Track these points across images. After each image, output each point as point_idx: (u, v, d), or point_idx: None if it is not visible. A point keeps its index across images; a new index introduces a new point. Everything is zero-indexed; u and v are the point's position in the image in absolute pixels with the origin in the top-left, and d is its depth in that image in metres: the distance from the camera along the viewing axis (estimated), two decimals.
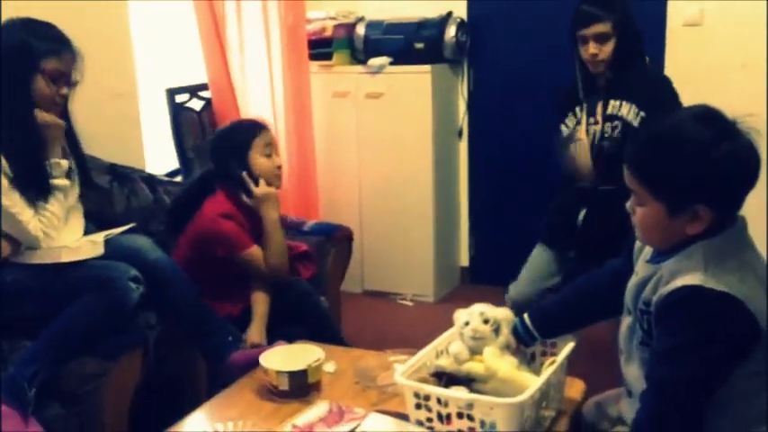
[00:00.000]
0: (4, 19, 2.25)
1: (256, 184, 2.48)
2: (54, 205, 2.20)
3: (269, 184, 2.51)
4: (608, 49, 2.53)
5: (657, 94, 2.54)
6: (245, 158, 2.49)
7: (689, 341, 1.38)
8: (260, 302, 2.51)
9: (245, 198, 2.50)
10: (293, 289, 2.58)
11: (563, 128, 2.67)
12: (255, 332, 2.46)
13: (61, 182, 2.23)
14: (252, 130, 2.54)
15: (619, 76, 2.57)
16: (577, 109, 2.66)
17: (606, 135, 2.57)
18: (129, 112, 3.18)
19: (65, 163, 2.24)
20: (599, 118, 2.59)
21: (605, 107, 2.58)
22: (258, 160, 2.51)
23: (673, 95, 2.56)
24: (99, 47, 2.83)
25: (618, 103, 2.56)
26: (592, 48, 2.52)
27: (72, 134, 2.35)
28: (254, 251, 2.49)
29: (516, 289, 2.76)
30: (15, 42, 2.17)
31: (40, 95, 2.18)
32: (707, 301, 1.37)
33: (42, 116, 2.18)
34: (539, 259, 2.76)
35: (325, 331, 2.54)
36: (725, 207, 1.44)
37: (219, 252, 2.48)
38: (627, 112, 2.54)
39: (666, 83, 2.61)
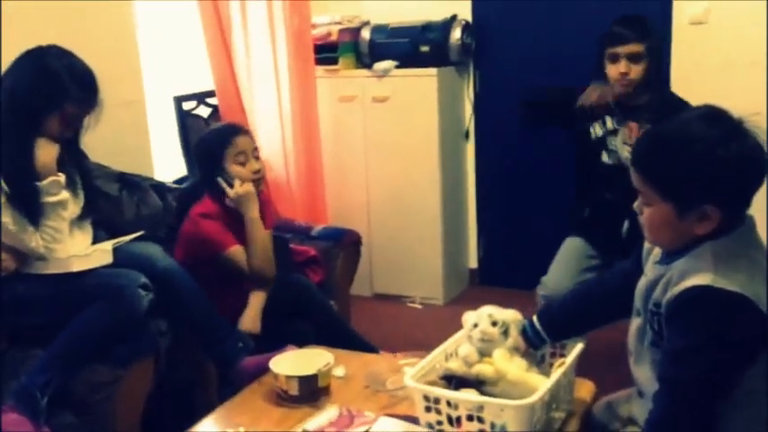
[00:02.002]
0: (42, 41, 2.23)
1: (231, 186, 2.50)
2: (55, 221, 2.20)
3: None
4: (639, 69, 2.54)
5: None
6: (221, 166, 2.52)
7: (700, 341, 1.38)
8: (256, 296, 2.52)
9: (227, 201, 2.52)
10: (292, 285, 2.59)
11: (592, 131, 2.66)
12: (248, 319, 2.48)
13: (60, 197, 2.22)
14: (223, 139, 2.54)
15: (651, 101, 2.58)
16: (607, 119, 2.65)
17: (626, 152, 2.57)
18: (137, 120, 3.20)
19: (62, 177, 2.22)
20: (632, 137, 2.58)
21: (639, 128, 2.57)
22: (234, 169, 2.52)
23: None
24: (106, 56, 2.84)
25: (648, 126, 2.54)
26: (623, 66, 2.54)
27: (76, 146, 2.36)
28: (238, 251, 2.50)
29: (554, 281, 2.69)
30: (50, 75, 2.16)
31: (47, 130, 2.19)
32: (717, 300, 1.36)
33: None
34: (577, 251, 2.72)
35: (331, 325, 2.56)
36: (733, 207, 1.43)
37: (204, 254, 2.50)
38: None
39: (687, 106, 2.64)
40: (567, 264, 2.70)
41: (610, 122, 2.66)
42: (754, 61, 3.42)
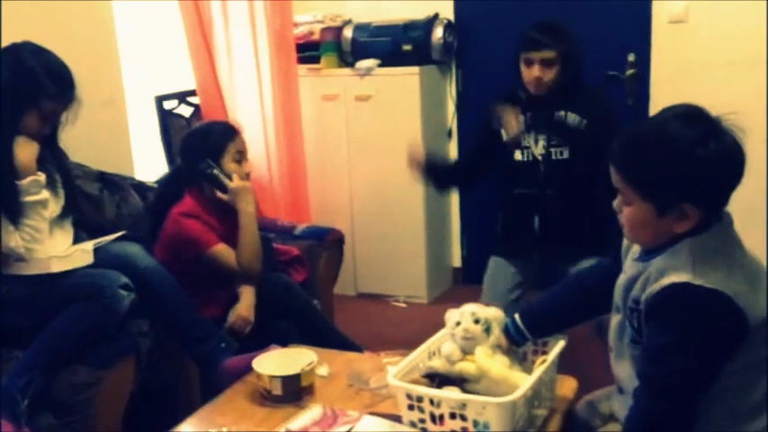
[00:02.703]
0: (21, 38, 2.22)
1: (230, 179, 2.50)
2: (35, 220, 2.18)
3: None
4: (552, 74, 2.62)
5: (597, 103, 2.67)
6: (218, 162, 2.51)
7: (679, 338, 1.39)
8: (246, 289, 2.52)
9: (219, 195, 2.50)
10: (276, 284, 2.58)
11: (503, 133, 2.70)
12: (244, 307, 2.48)
13: (41, 196, 2.20)
14: (226, 134, 2.55)
15: (564, 93, 2.66)
16: (520, 116, 2.71)
17: (553, 142, 2.66)
18: (117, 119, 3.18)
19: (42, 176, 2.20)
20: (544, 127, 2.67)
21: (550, 117, 2.66)
22: (230, 166, 2.52)
23: (609, 104, 2.72)
24: (86, 55, 2.84)
25: (563, 112, 2.66)
26: (536, 70, 2.61)
27: (55, 144, 2.34)
28: (221, 249, 2.49)
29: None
30: (25, 71, 2.14)
31: (25, 128, 2.17)
32: (695, 297, 1.38)
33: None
34: (501, 273, 2.79)
35: (315, 324, 2.56)
36: (712, 205, 1.45)
37: (186, 253, 2.49)
38: (572, 120, 2.64)
39: (603, 93, 2.76)
40: (494, 289, 2.77)
41: (526, 119, 2.70)
42: (733, 60, 3.45)
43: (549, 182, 2.68)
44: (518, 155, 2.72)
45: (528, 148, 2.70)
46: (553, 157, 2.67)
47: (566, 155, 2.66)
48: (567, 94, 2.66)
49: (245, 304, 2.49)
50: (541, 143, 2.67)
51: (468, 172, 2.95)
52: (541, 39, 2.62)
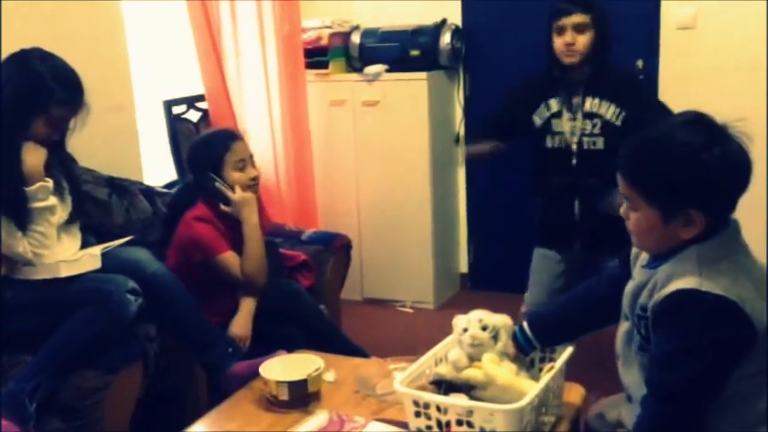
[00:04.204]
0: (29, 44, 2.23)
1: (233, 191, 2.50)
2: (42, 226, 2.19)
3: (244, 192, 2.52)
4: (584, 39, 2.58)
5: (640, 94, 2.61)
6: (219, 173, 2.51)
7: (686, 345, 1.39)
8: (246, 301, 2.52)
9: (223, 207, 2.51)
10: (283, 289, 2.58)
11: (535, 119, 2.69)
12: (238, 324, 2.48)
13: (48, 202, 2.21)
14: (222, 145, 2.54)
15: (597, 73, 2.62)
16: (552, 101, 2.68)
17: (586, 131, 2.62)
18: (126, 124, 3.19)
19: (50, 183, 2.21)
20: (577, 115, 2.63)
21: (583, 103, 2.62)
22: (232, 175, 2.52)
23: (654, 96, 2.63)
24: (95, 60, 2.85)
25: (597, 101, 2.61)
26: (569, 36, 2.58)
27: (63, 150, 2.35)
28: (230, 257, 2.50)
29: (532, 298, 2.79)
30: (33, 77, 2.15)
31: (34, 134, 2.18)
32: (703, 304, 1.37)
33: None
34: (543, 263, 2.77)
35: (321, 329, 2.55)
36: (718, 211, 1.44)
37: (197, 257, 2.49)
38: (606, 111, 2.60)
39: (644, 84, 2.69)
40: (540, 278, 2.77)
41: (554, 104, 2.68)
42: (741, 66, 3.44)
43: (582, 170, 2.63)
44: (549, 141, 2.68)
45: (561, 133, 2.66)
46: (585, 147, 2.62)
47: (599, 145, 2.60)
48: (600, 75, 2.60)
49: (241, 321, 2.48)
50: (575, 130, 2.62)
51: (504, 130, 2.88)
52: (572, 5, 2.59)
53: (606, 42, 2.61)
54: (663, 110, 2.60)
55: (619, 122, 2.58)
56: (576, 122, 2.63)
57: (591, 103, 2.61)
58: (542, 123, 2.69)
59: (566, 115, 2.65)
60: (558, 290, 2.71)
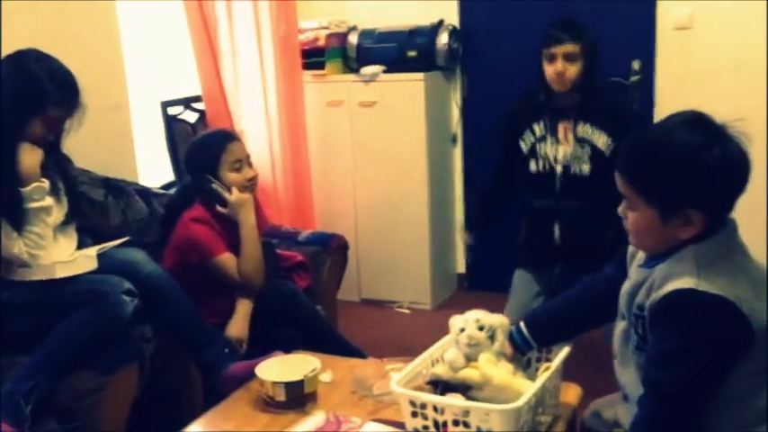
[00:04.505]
0: (25, 44, 2.23)
1: (229, 192, 2.50)
2: (38, 226, 2.18)
3: (241, 192, 2.52)
4: (575, 68, 2.62)
5: (630, 124, 2.62)
6: (216, 174, 2.51)
7: (684, 345, 1.39)
8: (243, 303, 2.52)
9: (219, 209, 2.51)
10: (279, 290, 2.58)
11: (522, 144, 2.73)
12: (235, 326, 2.47)
13: (44, 203, 2.20)
14: (218, 146, 2.53)
15: (586, 100, 2.66)
16: (536, 126, 2.72)
17: (577, 156, 2.66)
18: (122, 124, 3.18)
19: (46, 183, 2.21)
20: (569, 138, 2.67)
21: (575, 128, 2.66)
22: (229, 176, 2.51)
23: (639, 121, 2.69)
24: (91, 60, 2.84)
25: (588, 127, 2.65)
26: (560, 65, 2.62)
27: (58, 150, 2.34)
28: (227, 258, 2.49)
29: (509, 317, 2.81)
30: (29, 78, 2.14)
31: (29, 135, 2.17)
32: (700, 304, 1.37)
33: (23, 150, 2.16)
34: (522, 286, 2.81)
35: (318, 330, 2.55)
36: (716, 211, 1.44)
37: (194, 258, 2.49)
38: (597, 139, 2.64)
39: (634, 112, 2.74)
40: (518, 300, 2.78)
41: (538, 129, 2.71)
42: (738, 66, 3.45)
43: (566, 194, 2.67)
44: (533, 165, 2.72)
45: (545, 158, 2.69)
46: (572, 171, 2.66)
47: (585, 171, 2.65)
48: (590, 102, 2.65)
49: (238, 323, 2.48)
50: (561, 154, 2.66)
51: (507, 186, 2.92)
52: (563, 34, 2.63)
53: (595, 70, 2.66)
54: None
55: (608, 153, 2.62)
56: (559, 146, 2.67)
57: (583, 129, 2.66)
58: (528, 149, 2.73)
59: (549, 139, 2.69)
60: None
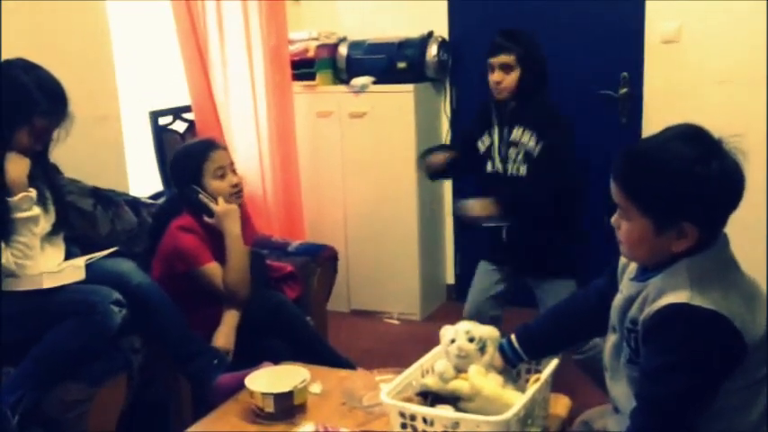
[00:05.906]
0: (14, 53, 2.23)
1: (215, 202, 2.50)
2: (25, 236, 2.17)
3: (227, 202, 2.52)
4: (511, 78, 2.70)
5: (557, 126, 2.70)
6: (200, 182, 2.51)
7: (677, 359, 1.39)
8: (230, 314, 2.51)
9: (206, 219, 2.51)
10: (269, 301, 2.57)
11: (479, 145, 2.84)
12: (222, 336, 2.46)
13: (32, 213, 2.19)
14: (201, 154, 2.54)
15: (522, 105, 2.74)
16: (487, 131, 2.82)
17: (510, 158, 2.75)
18: (112, 134, 3.17)
19: (33, 193, 2.20)
20: (507, 142, 2.76)
21: (510, 133, 2.75)
22: (212, 184, 2.52)
23: (570, 130, 2.73)
24: (81, 70, 2.84)
25: (520, 130, 2.73)
26: (496, 75, 2.71)
27: (46, 160, 2.33)
28: (213, 267, 2.49)
29: (471, 299, 2.94)
30: (17, 88, 2.14)
31: (17, 144, 2.17)
32: (694, 318, 1.37)
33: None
34: (483, 274, 2.93)
35: (308, 341, 2.54)
36: (710, 225, 1.45)
37: (180, 268, 2.48)
38: (527, 140, 2.71)
39: (564, 117, 2.76)
40: (480, 286, 2.92)
41: (488, 134, 2.81)
42: (725, 79, 3.48)
43: (509, 195, 2.75)
44: (489, 166, 2.82)
45: (493, 159, 2.80)
46: (509, 172, 2.75)
47: (522, 172, 2.72)
48: (527, 109, 2.71)
49: (224, 334, 2.47)
50: (499, 157, 2.77)
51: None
52: (501, 44, 2.71)
53: (534, 78, 2.71)
54: (571, 144, 2.71)
55: (536, 152, 2.69)
56: (502, 149, 2.77)
57: (516, 133, 2.73)
58: (484, 150, 2.83)
59: (496, 143, 2.79)
60: (496, 296, 2.88)
